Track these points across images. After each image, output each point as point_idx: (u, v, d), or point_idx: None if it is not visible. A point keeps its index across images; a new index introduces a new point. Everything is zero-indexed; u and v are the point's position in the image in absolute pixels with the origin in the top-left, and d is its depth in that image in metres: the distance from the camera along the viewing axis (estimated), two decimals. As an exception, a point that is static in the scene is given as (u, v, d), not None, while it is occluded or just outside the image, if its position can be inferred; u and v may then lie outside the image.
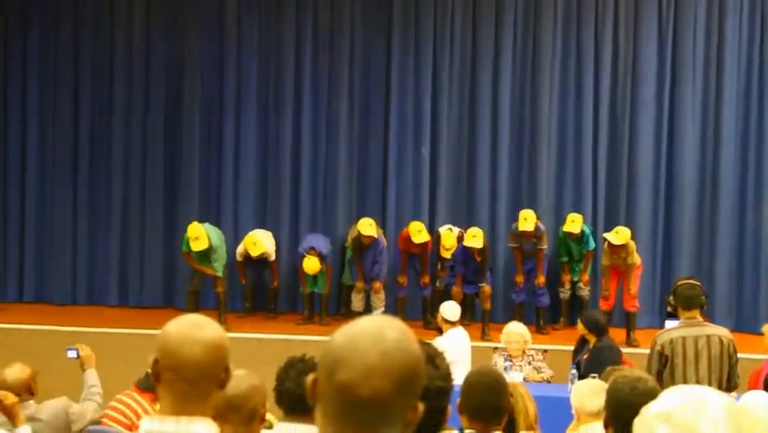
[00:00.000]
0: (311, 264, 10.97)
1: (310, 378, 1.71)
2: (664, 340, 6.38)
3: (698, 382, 6.21)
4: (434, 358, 2.53)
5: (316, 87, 12.14)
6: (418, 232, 11.08)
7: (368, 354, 1.65)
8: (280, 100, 12.16)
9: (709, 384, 6.20)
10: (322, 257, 11.11)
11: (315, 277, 11.29)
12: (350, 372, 1.64)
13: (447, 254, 11.31)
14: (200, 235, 10.81)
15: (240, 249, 11.44)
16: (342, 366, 1.65)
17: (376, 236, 11.18)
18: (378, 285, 11.23)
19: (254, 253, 11.22)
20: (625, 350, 8.80)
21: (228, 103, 12.20)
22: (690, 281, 6.56)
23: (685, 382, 6.19)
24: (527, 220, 11.04)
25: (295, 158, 12.15)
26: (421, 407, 1.70)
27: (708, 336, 6.35)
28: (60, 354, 6.11)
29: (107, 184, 12.34)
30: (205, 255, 10.99)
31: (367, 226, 11.05)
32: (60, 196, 12.38)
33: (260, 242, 11.26)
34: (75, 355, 5.96)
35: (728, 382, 6.38)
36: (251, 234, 11.42)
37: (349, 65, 12.11)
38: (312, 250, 11.09)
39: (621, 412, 3.62)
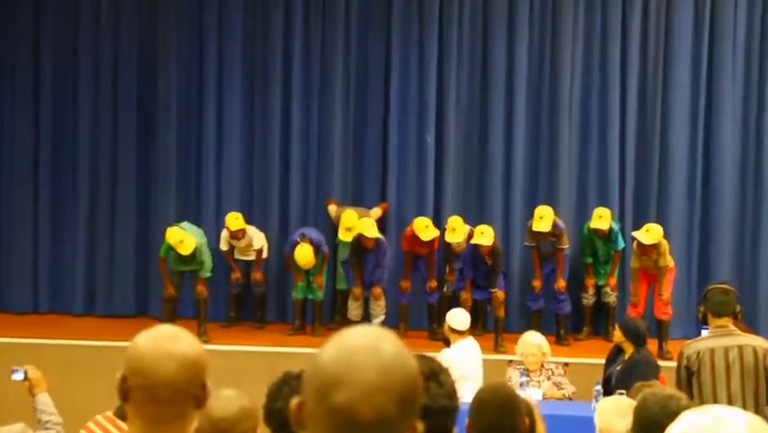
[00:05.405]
0: (304, 252, 10.96)
1: (295, 402, 1.72)
2: (690, 352, 6.36)
3: (729, 398, 6.19)
4: (437, 374, 2.53)
5: (308, 64, 12.12)
6: (425, 228, 11.06)
7: (365, 371, 1.66)
8: (267, 79, 12.14)
9: (743, 401, 6.18)
10: (315, 247, 11.11)
11: (307, 274, 11.29)
12: (347, 392, 1.65)
13: (454, 238, 11.17)
14: (183, 238, 10.85)
15: (223, 234, 11.49)
16: (337, 386, 1.65)
17: (380, 237, 11.17)
18: (378, 291, 11.23)
19: (233, 227, 11.26)
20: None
21: (209, 86, 12.17)
22: (723, 286, 6.55)
23: (715, 398, 6.17)
24: (543, 219, 11.02)
25: (283, 146, 12.14)
26: (420, 427, 1.71)
27: (741, 347, 6.31)
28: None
29: (72, 178, 12.32)
30: (192, 257, 11.02)
31: (369, 227, 11.02)
32: (19, 191, 12.35)
33: (242, 217, 11.34)
34: (21, 378, 5.87)
35: (768, 399, 6.37)
36: (234, 213, 11.47)
37: (344, 39, 12.09)
38: (305, 237, 11.11)
39: (650, 434, 3.63)
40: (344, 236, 11.25)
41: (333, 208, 11.79)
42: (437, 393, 2.49)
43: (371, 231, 10.99)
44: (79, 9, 12.30)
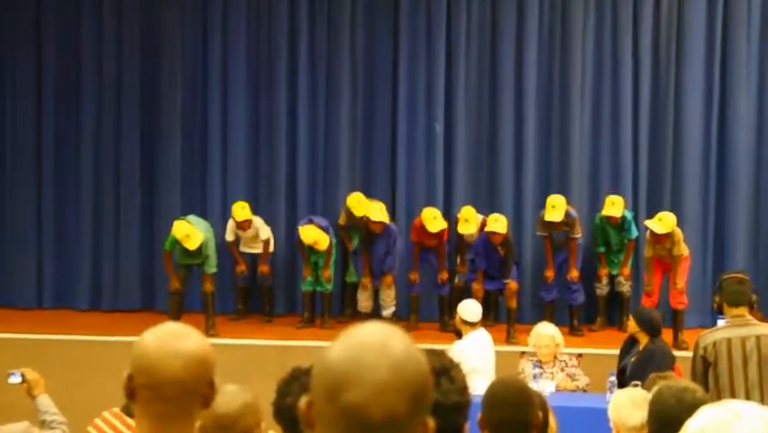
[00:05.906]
0: (309, 232, 10.94)
1: (304, 401, 1.71)
2: (707, 342, 6.36)
3: (747, 390, 6.19)
4: (448, 370, 2.53)
5: (313, 54, 12.12)
6: (433, 219, 11.05)
7: (377, 369, 1.65)
8: (273, 71, 12.14)
9: (761, 392, 6.18)
10: (322, 230, 11.10)
11: (315, 268, 11.28)
12: (358, 391, 1.64)
13: (467, 229, 11.15)
14: (190, 232, 10.85)
15: (229, 224, 11.51)
16: (348, 385, 1.65)
17: (387, 223, 11.16)
18: (389, 279, 11.23)
19: (239, 217, 11.27)
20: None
21: (213, 77, 12.18)
22: (738, 276, 6.55)
23: (732, 390, 6.17)
24: (555, 208, 11.01)
25: (290, 138, 12.14)
26: (432, 424, 1.71)
27: (758, 337, 6.31)
28: (25, 366, 6.08)
29: (76, 172, 12.33)
30: (198, 251, 11.02)
31: (377, 212, 11.01)
32: (22, 185, 12.38)
33: (248, 207, 11.35)
34: (19, 381, 5.87)
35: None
36: (240, 202, 11.47)
37: (350, 28, 12.09)
38: (311, 222, 11.12)
39: (666, 427, 3.62)
40: (358, 211, 11.19)
41: (342, 216, 11.72)
42: (448, 389, 2.48)
43: (378, 215, 10.98)
44: (81, 7, 12.31)
